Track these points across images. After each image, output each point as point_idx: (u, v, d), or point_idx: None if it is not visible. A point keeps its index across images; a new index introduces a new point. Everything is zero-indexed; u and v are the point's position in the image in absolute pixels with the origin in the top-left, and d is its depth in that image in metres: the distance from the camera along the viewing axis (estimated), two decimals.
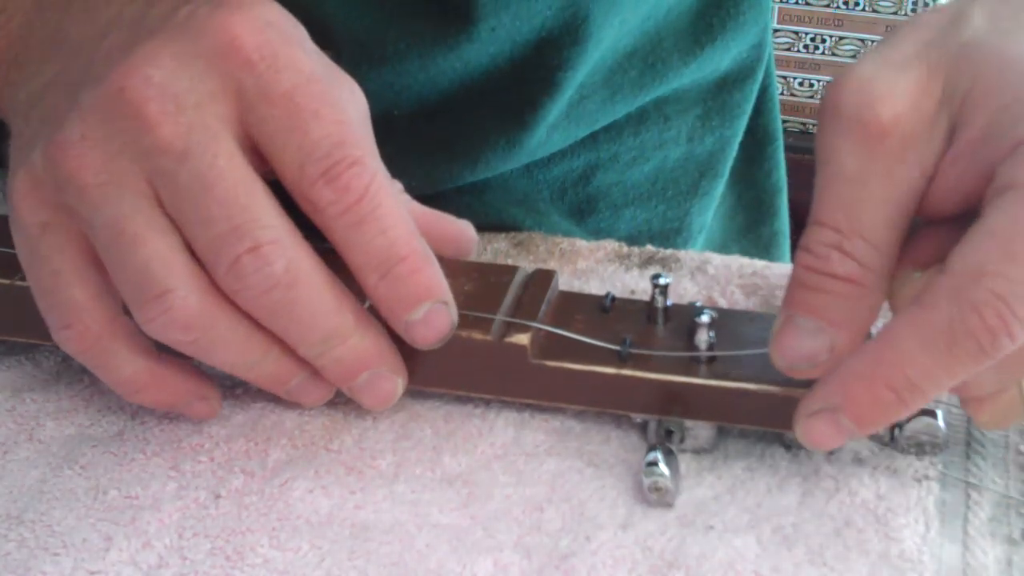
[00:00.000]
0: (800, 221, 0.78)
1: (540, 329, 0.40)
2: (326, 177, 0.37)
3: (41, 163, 0.38)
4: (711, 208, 0.68)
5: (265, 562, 0.37)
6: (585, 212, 0.63)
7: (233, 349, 0.39)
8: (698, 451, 0.40)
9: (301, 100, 0.37)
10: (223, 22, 0.38)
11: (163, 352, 0.40)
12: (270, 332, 0.39)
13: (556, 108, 0.57)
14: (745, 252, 0.72)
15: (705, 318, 0.39)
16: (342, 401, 0.43)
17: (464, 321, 0.39)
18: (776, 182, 0.72)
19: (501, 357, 0.40)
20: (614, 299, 0.42)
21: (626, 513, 0.38)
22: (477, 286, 0.42)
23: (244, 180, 0.37)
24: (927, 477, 0.39)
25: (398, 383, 0.40)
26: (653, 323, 0.41)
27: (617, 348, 0.40)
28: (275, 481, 0.40)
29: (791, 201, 0.74)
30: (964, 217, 0.36)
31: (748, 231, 0.72)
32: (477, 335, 0.40)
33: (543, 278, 0.43)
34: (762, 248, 0.73)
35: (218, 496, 0.40)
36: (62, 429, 0.43)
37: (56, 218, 0.38)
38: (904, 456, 0.40)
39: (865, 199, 0.36)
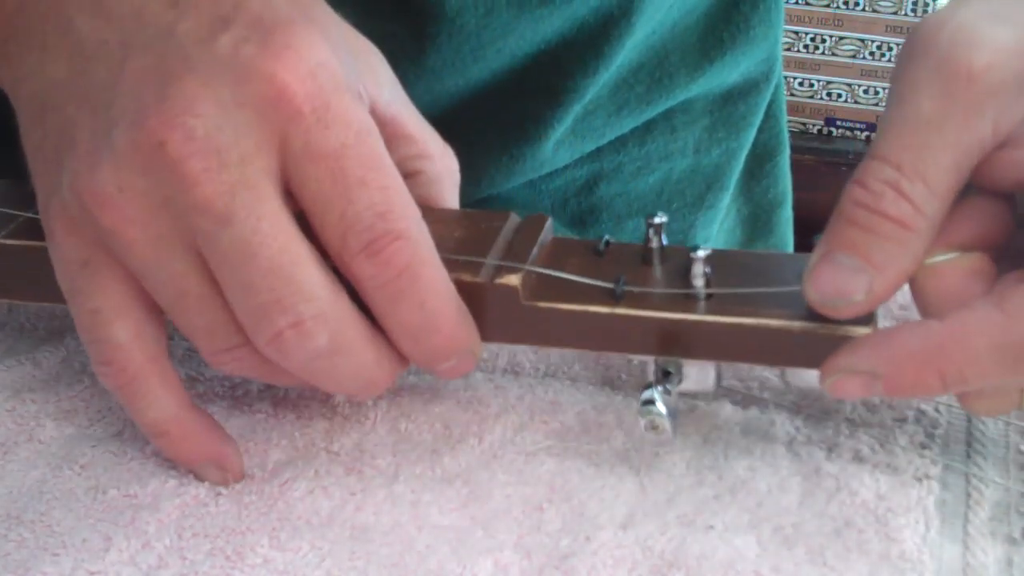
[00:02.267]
0: (802, 219, 0.78)
1: (532, 271, 0.39)
2: (368, 251, 0.36)
3: (76, 206, 0.37)
4: (716, 221, 0.68)
5: (265, 562, 0.37)
6: (587, 222, 0.63)
7: (295, 381, 0.39)
8: (696, 395, 0.39)
9: (347, 164, 0.36)
10: (272, 67, 0.36)
11: (196, 408, 0.40)
12: None
13: (562, 124, 0.56)
14: None
15: (701, 253, 0.38)
16: (342, 403, 0.43)
17: (453, 265, 0.38)
18: (774, 198, 0.71)
19: (491, 299, 0.39)
20: (608, 242, 0.41)
21: (626, 513, 0.38)
22: (468, 232, 0.41)
23: (288, 247, 0.36)
24: (927, 476, 0.39)
25: None
26: (648, 264, 0.40)
27: (611, 286, 0.39)
28: (275, 481, 0.40)
29: (792, 200, 0.73)
30: (1005, 199, 0.36)
31: (745, 246, 0.72)
32: (466, 277, 0.39)
33: (536, 222, 0.42)
34: None
35: (218, 496, 0.40)
36: (62, 429, 0.43)
37: (97, 256, 0.37)
38: (904, 454, 0.40)
39: (935, 142, 0.35)
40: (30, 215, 0.42)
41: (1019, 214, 0.38)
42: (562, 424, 0.42)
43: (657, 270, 0.40)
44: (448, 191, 0.44)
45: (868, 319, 0.37)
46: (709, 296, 0.38)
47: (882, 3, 1.69)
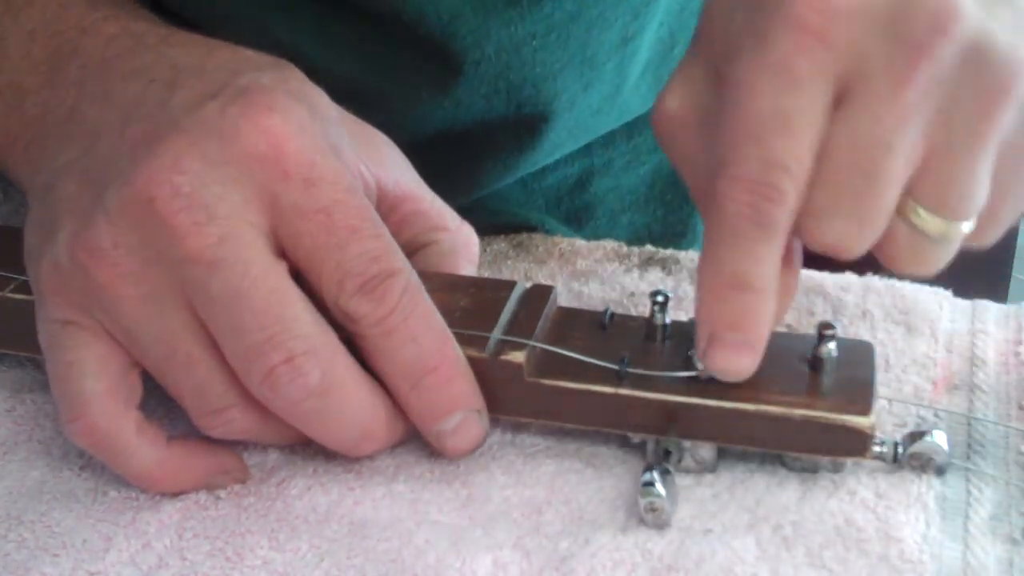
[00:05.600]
0: None
1: (536, 347, 0.40)
2: (363, 290, 0.37)
3: (68, 263, 0.37)
4: None
5: (264, 563, 0.37)
6: (583, 219, 0.63)
7: (288, 436, 0.40)
8: (697, 472, 0.40)
9: (338, 217, 0.37)
10: (255, 126, 0.37)
11: (174, 440, 0.40)
12: None
13: (556, 132, 0.56)
14: None
15: None
16: None
17: (460, 339, 0.39)
18: None
19: (496, 375, 0.40)
20: (613, 315, 0.42)
21: (625, 516, 0.38)
22: (474, 302, 0.41)
23: (277, 288, 0.37)
24: (927, 472, 0.39)
25: None
26: (652, 340, 0.41)
27: (615, 367, 0.39)
28: (272, 480, 0.40)
29: None
30: None
31: None
32: (472, 352, 0.39)
33: (541, 293, 0.42)
34: None
35: (217, 497, 0.40)
36: (61, 429, 0.43)
37: (80, 318, 0.38)
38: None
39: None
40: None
41: None
42: (561, 425, 0.42)
43: (661, 347, 0.40)
44: (463, 262, 0.45)
45: (866, 408, 0.38)
46: (712, 378, 0.39)
47: None
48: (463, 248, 0.45)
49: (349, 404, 0.38)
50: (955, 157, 0.35)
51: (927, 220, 0.36)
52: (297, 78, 0.40)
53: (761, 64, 0.35)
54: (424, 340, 0.38)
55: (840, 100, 0.35)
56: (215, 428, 0.39)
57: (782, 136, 0.35)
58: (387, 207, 0.43)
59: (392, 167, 0.43)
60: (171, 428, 0.41)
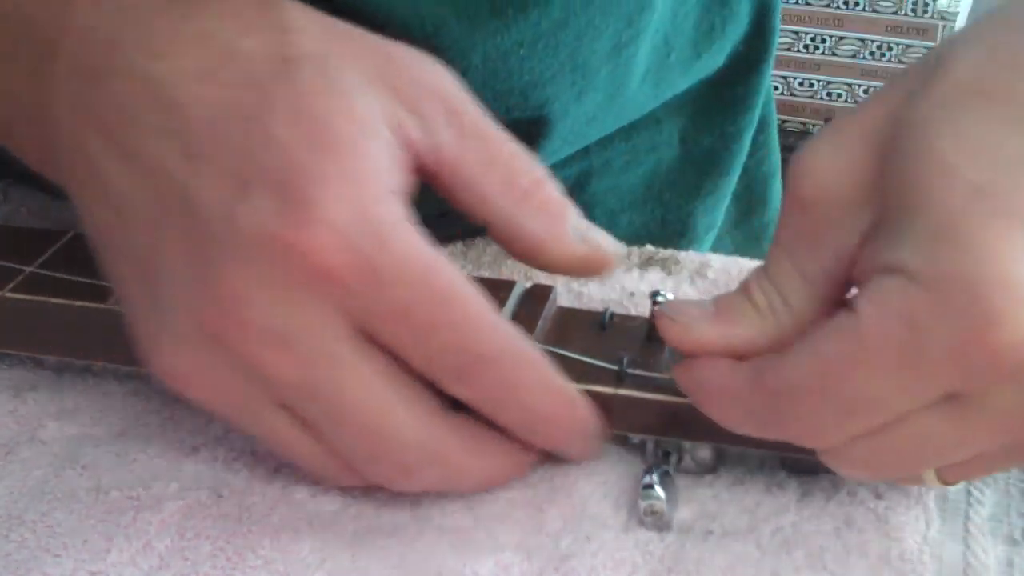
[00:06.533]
0: None
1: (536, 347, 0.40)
2: (460, 380, 0.36)
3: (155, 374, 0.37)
4: (720, 207, 0.67)
5: (266, 564, 0.37)
6: None
7: None
8: (697, 473, 0.40)
9: (414, 314, 0.35)
10: (298, 244, 0.34)
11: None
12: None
13: (551, 140, 0.56)
14: (737, 244, 0.71)
15: None
16: None
17: None
18: (767, 169, 0.70)
19: None
20: (612, 315, 0.42)
21: (626, 516, 0.39)
22: None
23: (378, 407, 0.36)
24: None
25: None
26: (652, 341, 0.41)
27: (615, 367, 0.39)
28: (277, 483, 0.40)
29: None
30: None
31: (739, 223, 0.71)
32: None
33: (541, 293, 0.42)
34: (753, 239, 0.71)
35: (220, 497, 0.40)
36: (64, 429, 0.43)
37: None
38: None
39: (786, 268, 0.36)
40: (33, 269, 0.43)
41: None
42: None
43: (661, 348, 0.40)
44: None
45: None
46: None
47: (882, 3, 1.69)
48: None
49: (473, 474, 0.38)
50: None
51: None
52: (344, 177, 0.36)
53: None
54: (532, 403, 0.37)
55: None
56: (337, 484, 0.39)
57: None
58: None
59: (440, 121, 0.40)
60: (192, 437, 0.42)
